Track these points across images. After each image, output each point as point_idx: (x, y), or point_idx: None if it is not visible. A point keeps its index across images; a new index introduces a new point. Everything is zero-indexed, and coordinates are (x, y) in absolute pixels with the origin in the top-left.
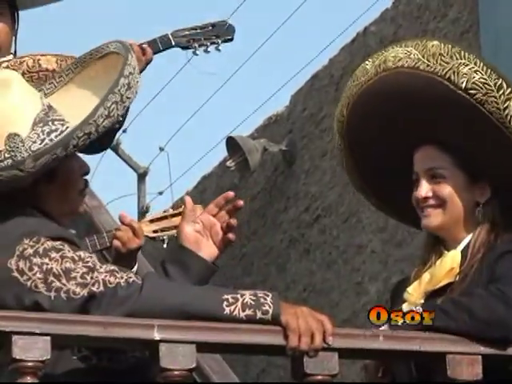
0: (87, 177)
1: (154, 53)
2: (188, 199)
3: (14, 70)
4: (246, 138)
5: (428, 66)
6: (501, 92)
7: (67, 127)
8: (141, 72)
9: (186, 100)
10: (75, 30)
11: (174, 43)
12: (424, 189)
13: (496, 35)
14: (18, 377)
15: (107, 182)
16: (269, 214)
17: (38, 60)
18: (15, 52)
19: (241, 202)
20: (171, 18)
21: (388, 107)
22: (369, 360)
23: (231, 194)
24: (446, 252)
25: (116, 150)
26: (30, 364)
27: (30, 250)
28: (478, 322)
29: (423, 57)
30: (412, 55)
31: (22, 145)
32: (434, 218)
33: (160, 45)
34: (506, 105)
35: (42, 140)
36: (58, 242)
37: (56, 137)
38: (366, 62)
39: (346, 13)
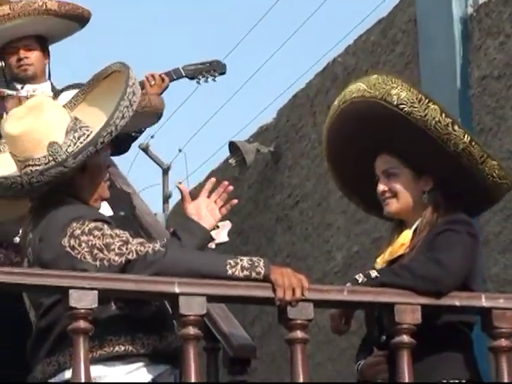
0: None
1: (170, 81)
2: (182, 187)
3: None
4: (244, 142)
5: (370, 93)
6: (421, 103)
7: (91, 131)
8: (160, 94)
9: (199, 114)
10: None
11: (184, 74)
12: (382, 185)
13: (432, 65)
14: (72, 322)
15: (140, 175)
16: (261, 199)
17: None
18: (49, 77)
19: (230, 187)
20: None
21: (350, 129)
22: (335, 309)
23: (213, 179)
24: (403, 232)
25: (146, 151)
26: (82, 311)
27: (78, 231)
28: (418, 279)
29: (367, 87)
30: (360, 88)
31: (61, 149)
32: (390, 206)
33: (174, 75)
34: (425, 112)
35: (75, 143)
36: (99, 223)
37: (84, 140)
38: (335, 101)
39: (319, 48)
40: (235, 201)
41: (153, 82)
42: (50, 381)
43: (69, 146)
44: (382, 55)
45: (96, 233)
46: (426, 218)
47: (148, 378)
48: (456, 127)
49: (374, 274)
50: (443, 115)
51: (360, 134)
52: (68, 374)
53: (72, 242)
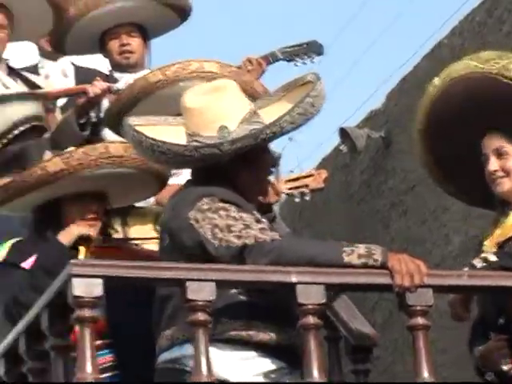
0: None
1: (267, 65)
2: None
3: (183, 69)
4: (354, 128)
5: (483, 68)
6: None
7: None
8: (257, 79)
9: None
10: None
11: (281, 57)
12: (493, 164)
13: None
14: (191, 314)
15: None
16: (373, 185)
17: (203, 64)
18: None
19: None
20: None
21: (457, 108)
22: (455, 294)
23: None
24: (510, 213)
25: None
26: (200, 303)
27: (206, 206)
28: None
29: (479, 63)
30: (470, 65)
31: (229, 135)
32: (503, 185)
33: (271, 58)
34: None
35: None
36: (227, 204)
37: None
38: (434, 80)
39: (425, 30)
40: None
41: (250, 67)
42: (162, 355)
43: (237, 135)
44: (488, 35)
45: (222, 213)
46: None
47: (261, 370)
48: None
49: (492, 258)
50: None
51: (466, 114)
52: (179, 351)
53: (198, 215)
